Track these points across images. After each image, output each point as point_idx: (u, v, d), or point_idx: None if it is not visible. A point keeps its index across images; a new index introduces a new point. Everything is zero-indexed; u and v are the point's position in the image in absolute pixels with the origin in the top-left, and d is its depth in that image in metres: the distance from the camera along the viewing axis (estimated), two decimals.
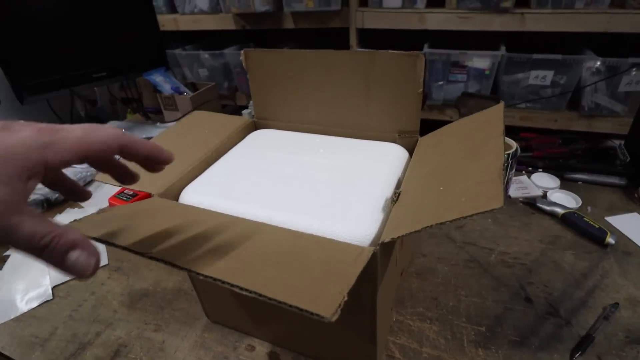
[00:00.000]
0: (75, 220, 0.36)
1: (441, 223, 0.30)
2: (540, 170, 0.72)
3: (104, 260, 0.66)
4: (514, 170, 0.60)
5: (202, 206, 0.41)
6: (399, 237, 0.31)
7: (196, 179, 0.47)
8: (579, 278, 0.54)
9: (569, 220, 0.61)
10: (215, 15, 1.16)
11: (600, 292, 0.52)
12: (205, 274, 0.28)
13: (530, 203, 0.66)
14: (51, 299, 0.60)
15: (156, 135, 0.54)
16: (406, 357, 0.47)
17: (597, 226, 0.58)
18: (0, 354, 0.53)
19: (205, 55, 1.21)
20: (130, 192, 0.74)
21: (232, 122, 0.57)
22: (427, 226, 0.30)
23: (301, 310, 0.25)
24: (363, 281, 0.35)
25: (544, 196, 0.67)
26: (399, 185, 0.42)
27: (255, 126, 0.58)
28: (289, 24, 1.08)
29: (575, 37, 0.94)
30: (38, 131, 0.22)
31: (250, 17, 1.10)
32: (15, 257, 0.69)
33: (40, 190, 0.79)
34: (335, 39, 1.08)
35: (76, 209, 0.79)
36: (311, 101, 0.53)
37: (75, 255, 0.22)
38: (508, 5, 0.93)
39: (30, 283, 0.63)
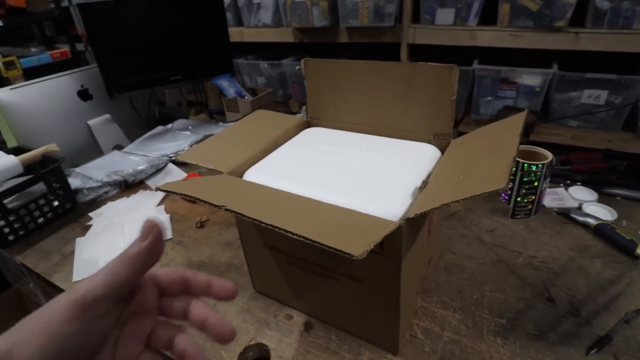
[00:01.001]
0: (164, 184, 0.50)
1: (456, 201, 0.39)
2: (579, 183, 0.77)
3: (168, 235, 0.81)
4: (548, 180, 0.66)
5: (265, 184, 0.53)
6: (422, 212, 0.41)
7: (257, 163, 0.59)
8: (605, 284, 0.59)
9: (601, 231, 0.66)
10: (277, 29, 1.33)
11: (624, 298, 0.57)
12: (266, 222, 0.39)
13: (565, 213, 0.71)
14: None
15: (224, 129, 0.68)
16: (428, 338, 0.55)
17: (629, 238, 0.63)
18: None
19: (264, 64, 1.38)
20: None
21: (289, 120, 0.70)
22: (445, 203, 0.39)
23: (337, 250, 0.35)
24: (389, 251, 0.44)
25: (579, 208, 0.72)
26: (428, 177, 0.52)
27: (308, 125, 0.71)
28: (344, 38, 1.22)
29: (634, 56, 0.97)
30: None
31: (308, 31, 1.25)
32: (97, 226, 0.86)
33: (121, 172, 0.97)
34: (387, 53, 1.20)
35: (148, 190, 0.97)
36: (358, 105, 0.64)
37: None
38: (562, 24, 0.99)
39: (108, 247, 0.79)
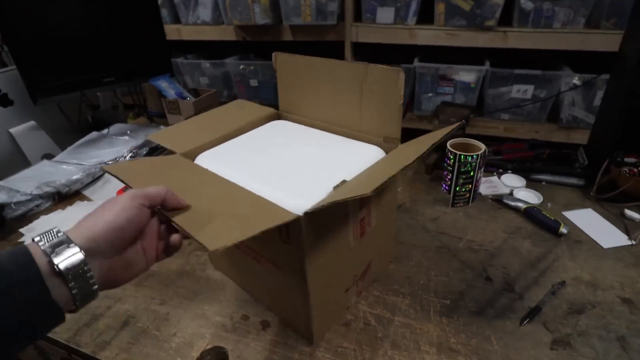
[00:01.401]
0: (109, 165, 0.52)
1: (337, 200, 0.41)
2: (510, 171, 0.87)
3: None
4: (482, 170, 0.74)
5: (207, 167, 0.57)
6: (313, 209, 0.43)
7: (212, 148, 0.63)
8: (534, 261, 0.68)
9: (529, 213, 0.75)
10: (217, 26, 1.33)
11: (551, 272, 0.66)
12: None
13: (498, 199, 0.80)
14: None
15: (202, 114, 0.73)
16: (381, 324, 0.60)
17: (552, 218, 0.73)
18: None
19: (206, 64, 1.37)
20: None
21: (261, 111, 0.74)
22: (331, 202, 0.41)
23: (197, 241, 0.38)
24: (293, 241, 0.47)
25: (511, 194, 0.82)
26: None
27: (278, 117, 0.74)
28: (287, 36, 1.25)
29: (556, 54, 1.10)
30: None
31: (250, 29, 1.26)
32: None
33: (53, 183, 0.93)
34: (332, 52, 1.24)
35: (85, 201, 0.93)
36: (322, 101, 0.66)
37: None
38: (492, 24, 1.09)
39: None
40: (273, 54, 0.68)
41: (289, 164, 0.57)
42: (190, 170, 0.56)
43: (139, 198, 0.40)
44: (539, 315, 0.59)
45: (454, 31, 1.12)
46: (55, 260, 0.33)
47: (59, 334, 0.62)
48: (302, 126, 0.69)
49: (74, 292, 0.34)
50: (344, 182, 0.51)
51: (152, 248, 0.44)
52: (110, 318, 0.64)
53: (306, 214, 0.44)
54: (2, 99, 1.06)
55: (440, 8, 1.11)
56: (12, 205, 0.89)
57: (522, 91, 1.10)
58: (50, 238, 0.35)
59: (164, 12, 1.37)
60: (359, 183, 0.50)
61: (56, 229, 0.36)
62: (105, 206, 0.39)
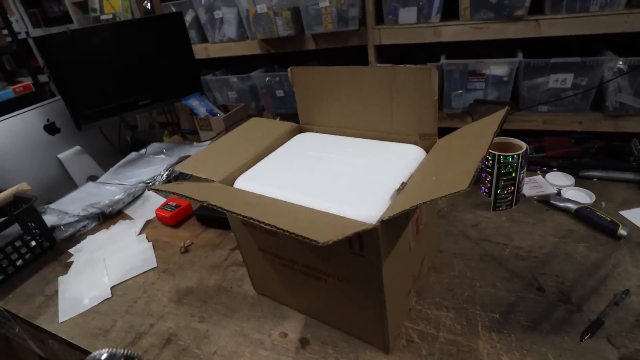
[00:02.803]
0: (158, 185, 0.52)
1: (423, 202, 0.38)
2: (555, 169, 0.78)
3: (153, 264, 0.78)
4: (525, 170, 0.67)
5: (252, 189, 0.55)
6: (393, 215, 0.40)
7: (248, 170, 0.60)
8: (591, 268, 0.59)
9: (581, 214, 0.67)
10: (242, 42, 1.32)
11: (611, 280, 0.57)
12: (243, 214, 0.41)
13: (545, 200, 0.72)
14: (110, 297, 0.72)
15: (220, 138, 0.69)
16: (424, 341, 0.54)
17: (609, 219, 0.64)
18: (70, 344, 0.66)
19: (234, 79, 1.36)
20: (174, 204, 0.87)
21: (282, 126, 0.70)
22: (413, 206, 0.39)
23: (303, 238, 0.36)
24: (368, 252, 0.44)
25: (558, 194, 0.73)
26: (410, 178, 0.51)
27: (300, 130, 0.70)
28: (310, 45, 1.21)
29: (596, 38, 0.99)
30: None
31: (274, 41, 1.24)
32: (78, 263, 0.83)
33: (97, 204, 0.94)
34: (355, 56, 1.20)
35: (127, 220, 0.93)
36: (346, 109, 0.63)
37: None
38: (522, 13, 1.00)
39: (91, 284, 0.76)
40: (289, 69, 0.65)
41: (334, 174, 0.54)
42: (237, 193, 0.54)
43: None
44: (602, 329, 0.51)
45: (481, 24, 1.04)
46: None
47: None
48: (331, 136, 0.66)
49: None
50: (404, 185, 0.48)
51: None
52: (153, 336, 0.63)
53: (383, 222, 0.41)
54: (50, 128, 1.09)
55: (465, 2, 1.04)
56: (62, 227, 0.91)
57: (561, 80, 1.00)
58: None
59: (192, 33, 1.38)
60: (423, 181, 0.47)
61: None
62: None
